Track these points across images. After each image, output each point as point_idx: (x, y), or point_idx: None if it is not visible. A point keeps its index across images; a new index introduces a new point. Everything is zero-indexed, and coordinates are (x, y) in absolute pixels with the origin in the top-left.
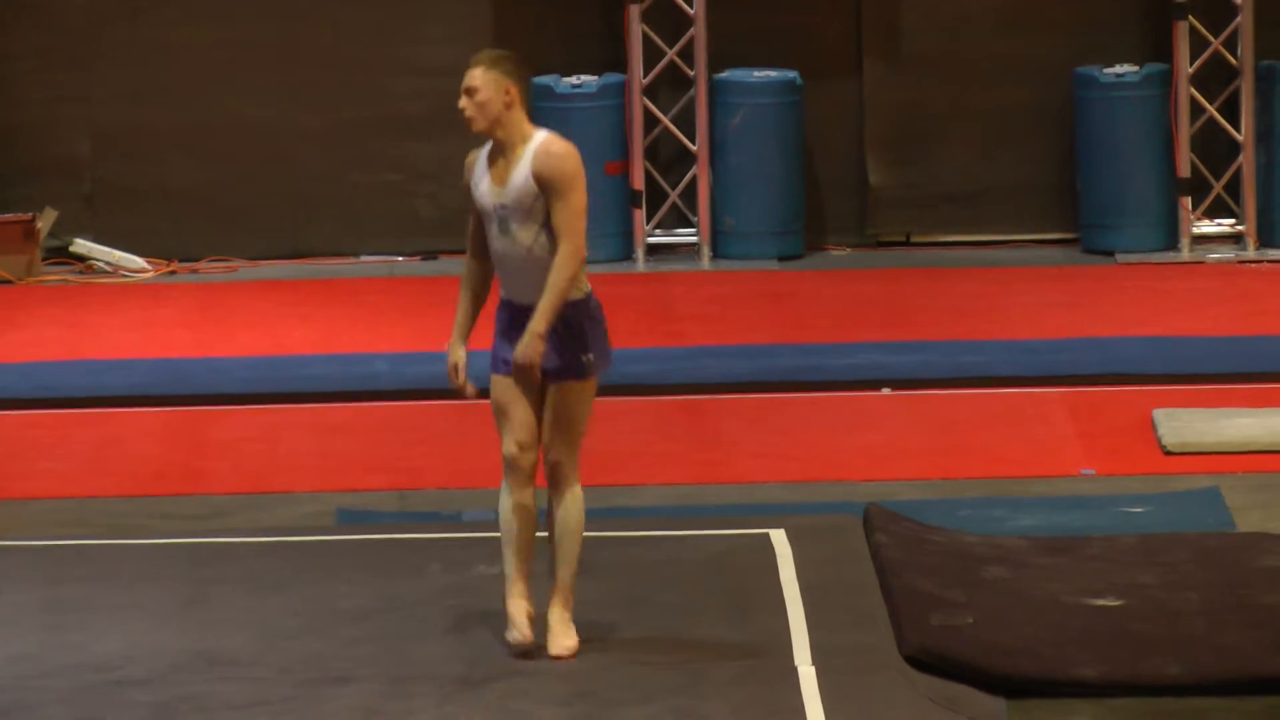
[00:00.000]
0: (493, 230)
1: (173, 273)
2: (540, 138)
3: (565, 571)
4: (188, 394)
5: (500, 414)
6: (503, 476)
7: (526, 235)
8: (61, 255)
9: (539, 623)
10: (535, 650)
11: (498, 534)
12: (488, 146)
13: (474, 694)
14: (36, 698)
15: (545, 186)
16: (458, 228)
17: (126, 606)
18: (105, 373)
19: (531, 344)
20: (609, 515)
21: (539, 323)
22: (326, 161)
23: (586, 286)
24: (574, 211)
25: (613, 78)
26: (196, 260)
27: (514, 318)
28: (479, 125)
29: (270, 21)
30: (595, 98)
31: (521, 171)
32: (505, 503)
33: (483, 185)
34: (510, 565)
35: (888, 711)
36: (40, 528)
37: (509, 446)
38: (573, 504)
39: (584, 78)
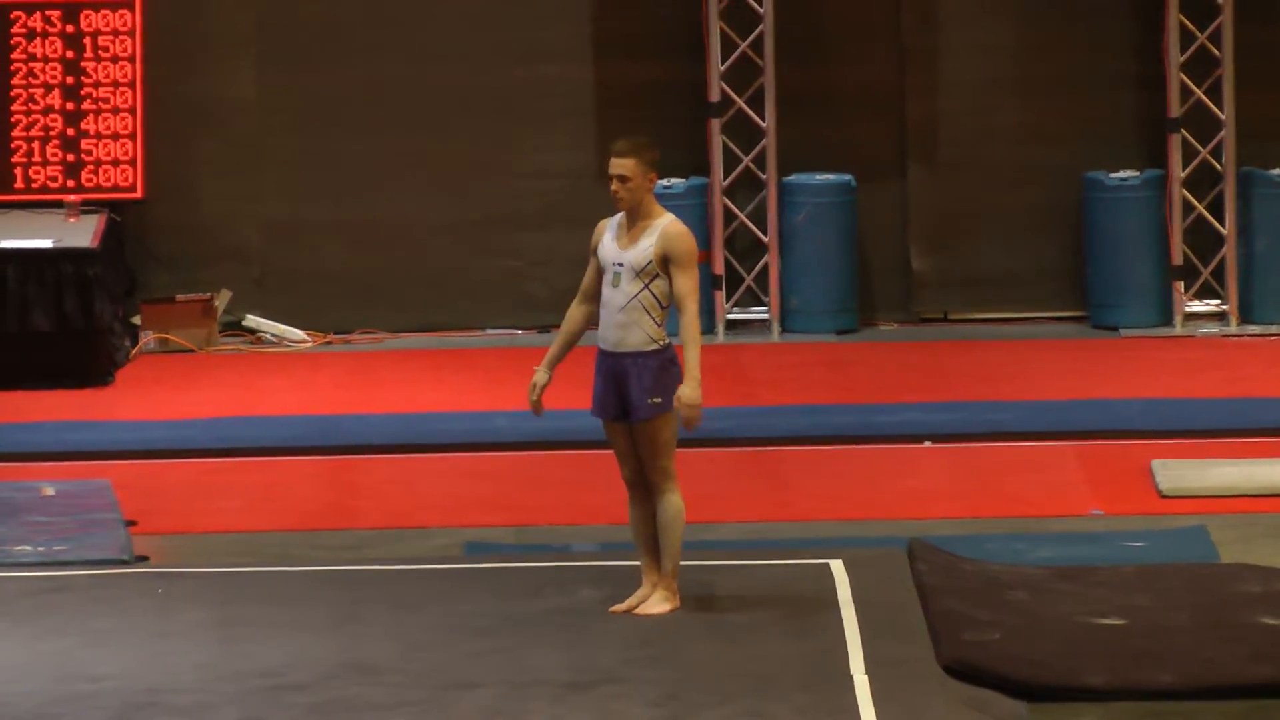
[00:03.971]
0: (606, 282)
1: (328, 343)
2: (668, 219)
3: (667, 562)
4: (340, 444)
5: (615, 450)
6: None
7: (632, 289)
8: (235, 329)
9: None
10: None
11: (601, 562)
12: (618, 216)
13: (581, 697)
14: (213, 699)
15: (669, 260)
16: (567, 305)
17: (288, 623)
18: (271, 427)
19: (694, 390)
20: (691, 548)
21: (696, 371)
22: (456, 250)
23: (664, 339)
24: (692, 281)
25: (697, 180)
26: (348, 332)
27: (606, 362)
28: (627, 205)
29: (409, 132)
30: (682, 197)
31: (647, 241)
32: (630, 512)
33: (608, 244)
34: (640, 557)
35: (928, 712)
36: (216, 557)
37: (622, 474)
38: (668, 509)
39: (673, 180)
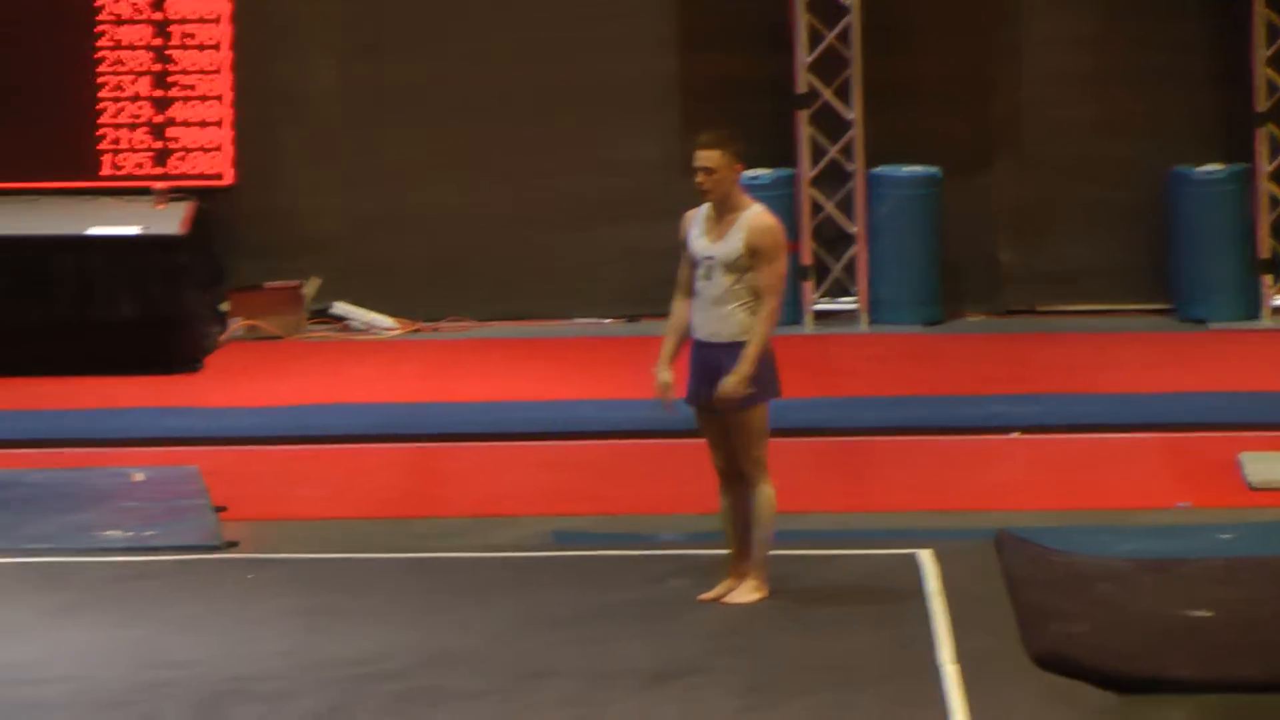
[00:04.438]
0: (699, 273)
1: (416, 331)
2: (755, 210)
3: (758, 551)
4: (426, 433)
5: (706, 439)
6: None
7: (726, 281)
8: (323, 316)
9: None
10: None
11: (687, 551)
12: (705, 207)
13: (665, 687)
14: (297, 687)
15: (755, 252)
16: (653, 294)
17: (373, 611)
18: (358, 414)
19: (737, 384)
20: (778, 538)
21: (745, 366)
22: (543, 239)
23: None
24: (776, 275)
25: (784, 171)
26: (436, 321)
27: (701, 353)
28: (713, 197)
29: (496, 122)
30: (769, 188)
31: (736, 233)
32: (721, 501)
33: (698, 238)
34: (728, 544)
35: (1016, 704)
36: (303, 544)
37: (714, 463)
38: (760, 500)
39: (759, 172)
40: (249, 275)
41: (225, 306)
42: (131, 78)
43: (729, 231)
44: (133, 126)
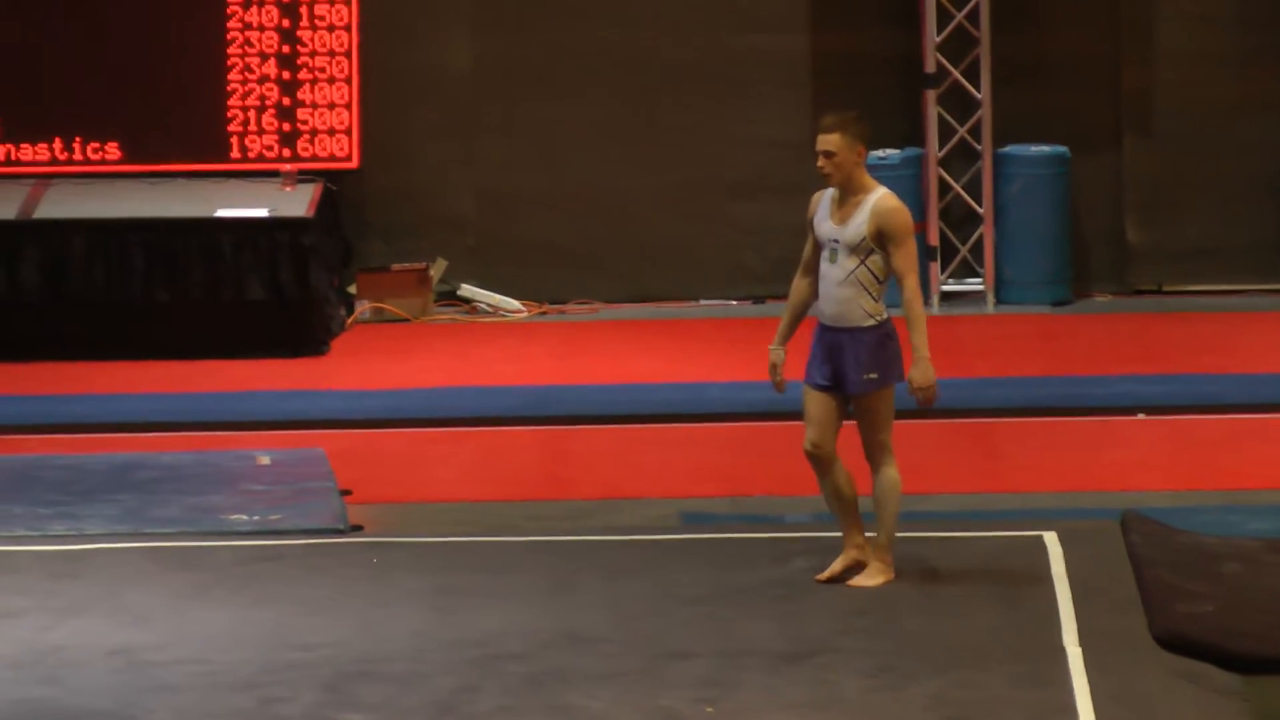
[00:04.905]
0: (824, 255)
1: (543, 313)
2: (880, 193)
3: (882, 533)
4: (554, 414)
5: (806, 418)
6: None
7: (850, 265)
8: (450, 298)
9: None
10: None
11: (816, 533)
12: (831, 190)
13: (794, 667)
14: (429, 668)
15: (884, 236)
16: (781, 275)
17: (503, 592)
18: (487, 396)
19: (924, 370)
20: (904, 519)
21: (924, 350)
22: (671, 220)
23: (882, 314)
24: (910, 255)
25: (912, 151)
26: (563, 302)
27: (824, 335)
28: (836, 181)
29: (623, 101)
30: (897, 168)
31: (861, 217)
32: (820, 485)
33: (824, 220)
34: (841, 524)
35: (1141, 684)
36: (433, 526)
37: (806, 444)
38: (884, 482)
39: (888, 151)
40: (376, 257)
41: (352, 288)
42: (259, 59)
43: (854, 214)
44: (261, 109)
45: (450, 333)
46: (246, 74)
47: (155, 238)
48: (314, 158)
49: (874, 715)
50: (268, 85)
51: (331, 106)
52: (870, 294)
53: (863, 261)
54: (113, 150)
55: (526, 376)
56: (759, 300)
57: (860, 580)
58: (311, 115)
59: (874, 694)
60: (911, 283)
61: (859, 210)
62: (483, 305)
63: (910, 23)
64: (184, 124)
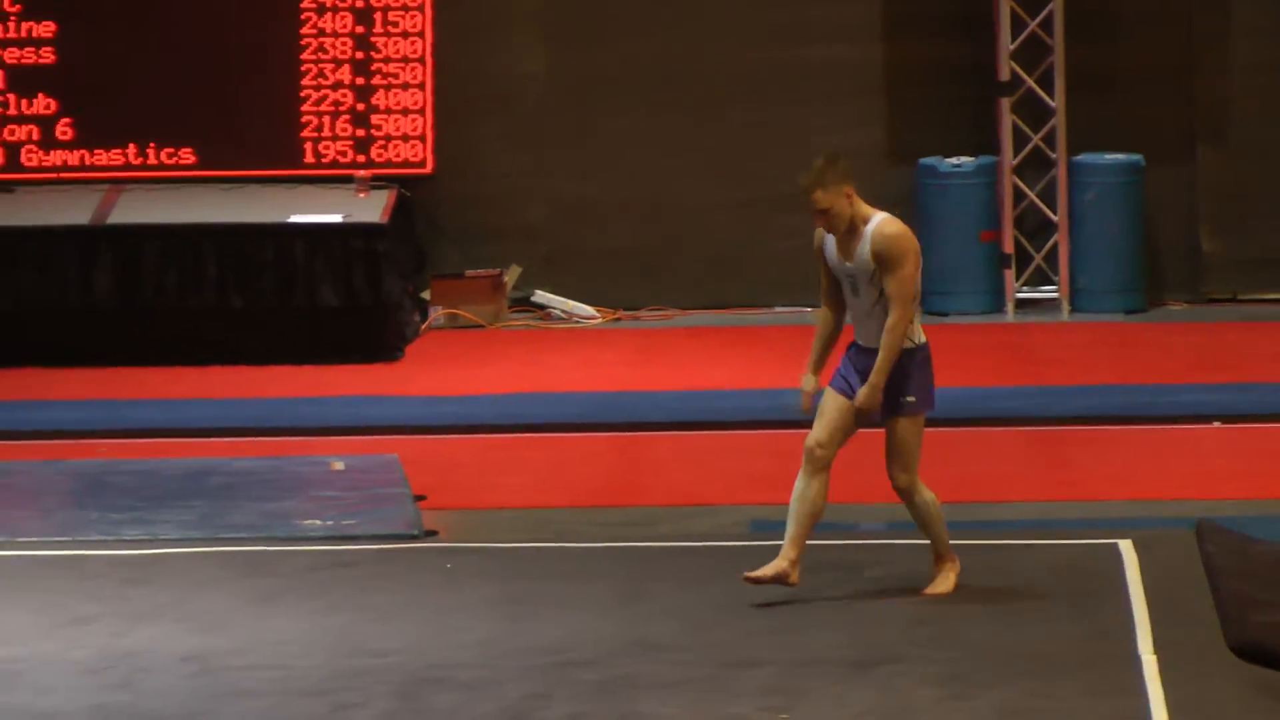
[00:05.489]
0: (846, 289)
1: (617, 319)
2: (877, 220)
3: (940, 546)
4: (626, 421)
5: (818, 415)
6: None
7: (872, 295)
8: (524, 304)
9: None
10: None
11: (885, 541)
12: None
13: (864, 675)
14: (500, 674)
15: (880, 261)
16: None
17: (573, 600)
18: (559, 403)
19: (871, 394)
20: (979, 527)
21: (877, 376)
22: (744, 228)
23: (918, 338)
24: (901, 281)
25: (987, 159)
26: (636, 309)
27: (859, 355)
28: (839, 230)
29: (696, 110)
30: (971, 176)
31: (864, 247)
32: (798, 484)
33: (832, 253)
34: (788, 530)
35: (1215, 694)
36: (505, 532)
37: (809, 439)
38: (926, 503)
39: (962, 159)
40: (450, 263)
41: (426, 294)
42: (333, 65)
43: (857, 246)
44: (335, 115)
45: (524, 339)
46: (320, 80)
47: (229, 243)
48: (388, 164)
49: None
50: (342, 91)
51: (405, 112)
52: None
53: (882, 290)
54: (187, 156)
55: (599, 383)
56: None
57: (933, 589)
58: (385, 121)
59: (943, 703)
60: (897, 312)
61: (861, 241)
62: (556, 311)
63: (984, 31)
64: (258, 130)
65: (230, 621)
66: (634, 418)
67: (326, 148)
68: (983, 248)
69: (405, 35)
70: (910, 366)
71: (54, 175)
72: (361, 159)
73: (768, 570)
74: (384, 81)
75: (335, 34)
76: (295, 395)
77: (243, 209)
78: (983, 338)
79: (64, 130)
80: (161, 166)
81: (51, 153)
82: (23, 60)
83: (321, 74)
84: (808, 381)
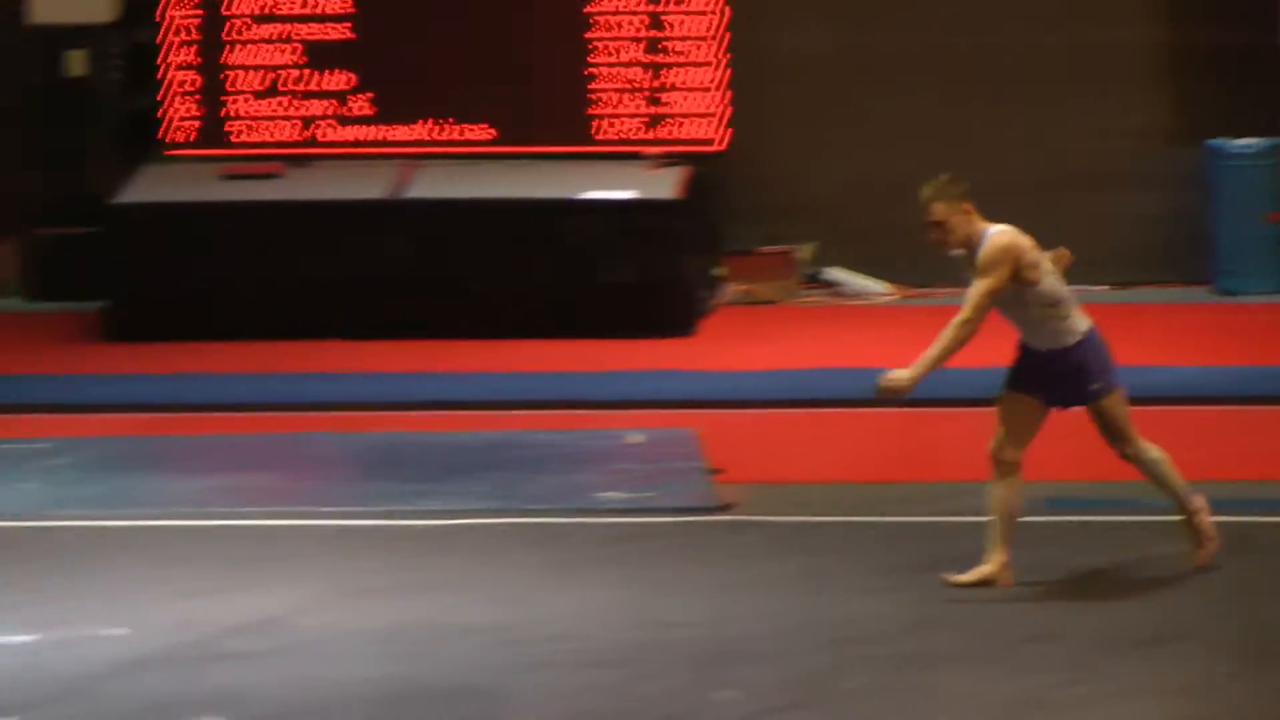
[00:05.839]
0: (998, 308)
1: (908, 297)
2: (989, 233)
3: (1180, 497)
4: (918, 398)
5: (999, 419)
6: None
7: (1021, 313)
8: (816, 281)
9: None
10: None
11: (1170, 517)
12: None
13: (1160, 650)
14: (793, 647)
15: (975, 264)
16: (1141, 262)
17: (865, 574)
18: (851, 378)
19: (898, 382)
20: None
21: (917, 369)
22: (1029, 207)
23: (1081, 327)
24: (979, 289)
25: (1271, 140)
26: (927, 286)
27: (1030, 358)
28: (953, 244)
29: (987, 89)
30: (1259, 157)
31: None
32: (993, 489)
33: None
34: (991, 534)
35: None
36: (798, 507)
37: (991, 445)
38: (1155, 460)
39: (1248, 140)
40: (743, 240)
41: (719, 271)
42: (625, 44)
43: (975, 265)
44: (626, 92)
45: (815, 315)
46: (611, 57)
47: (522, 219)
48: (679, 141)
49: (1243, 701)
50: (633, 69)
51: (697, 90)
52: (1058, 317)
53: (1024, 301)
54: (481, 132)
55: (891, 359)
56: (1120, 286)
57: (1199, 560)
58: (676, 98)
59: (1240, 680)
60: (964, 313)
61: (978, 254)
62: (848, 288)
63: (1270, 14)
64: (551, 107)
65: (525, 593)
66: (929, 393)
67: (618, 125)
68: (1270, 229)
69: (697, 14)
70: (1083, 358)
71: (350, 150)
72: (652, 136)
73: (972, 575)
74: (676, 59)
75: (628, 12)
76: (590, 370)
77: (536, 185)
78: (1264, 317)
79: (361, 106)
80: (456, 143)
81: (348, 128)
82: (320, 36)
83: (614, 52)
84: (910, 380)
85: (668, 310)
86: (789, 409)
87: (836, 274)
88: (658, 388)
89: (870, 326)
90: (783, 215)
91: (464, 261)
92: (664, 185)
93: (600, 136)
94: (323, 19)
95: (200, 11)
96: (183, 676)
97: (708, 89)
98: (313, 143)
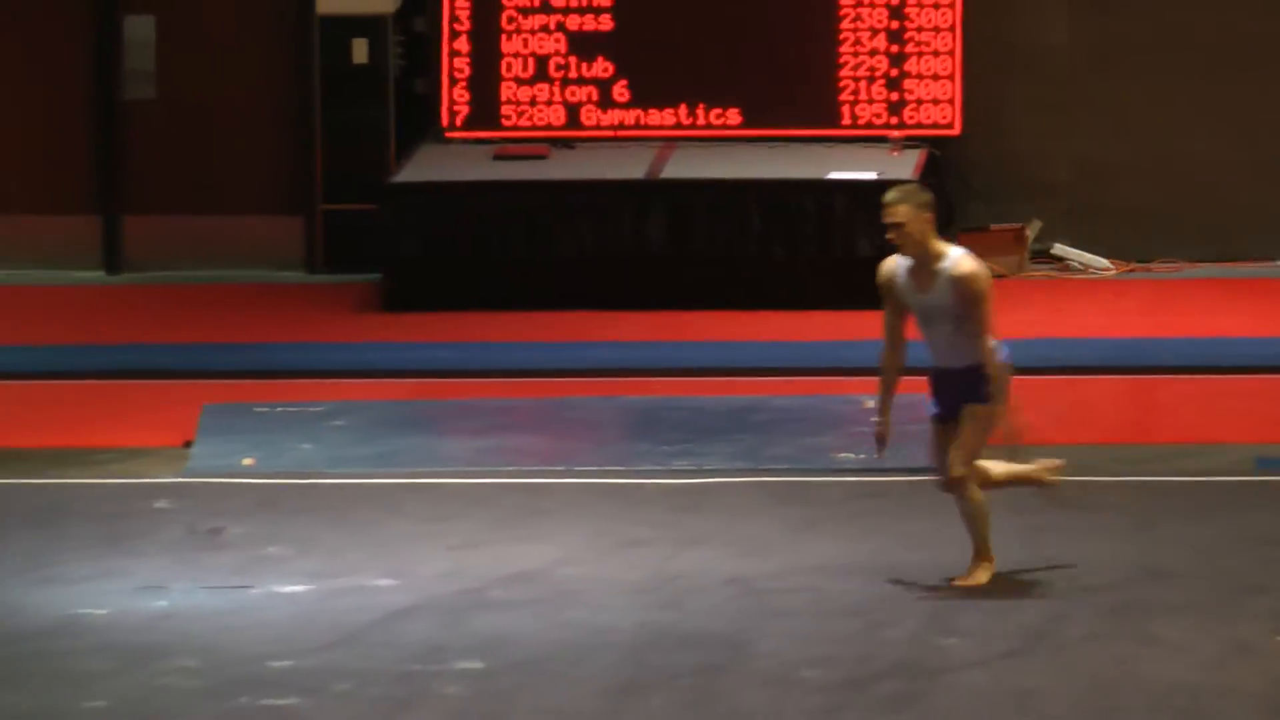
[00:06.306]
0: (920, 320)
1: (1130, 271)
2: (953, 258)
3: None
4: (1141, 365)
5: (933, 453)
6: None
7: (949, 327)
8: (1043, 256)
9: None
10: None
11: None
12: (902, 260)
13: None
14: (1020, 598)
15: (963, 299)
16: None
17: (1090, 529)
18: (1076, 347)
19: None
20: None
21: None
22: (1252, 185)
23: (994, 345)
24: (986, 315)
25: None
26: (1149, 261)
27: (939, 378)
28: (909, 250)
29: (1206, 76)
30: None
31: (942, 282)
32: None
33: (907, 289)
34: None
35: None
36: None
37: (938, 479)
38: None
39: None
40: (976, 218)
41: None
42: (869, 34)
43: (936, 282)
44: (870, 80)
45: (1043, 288)
46: (857, 47)
47: (771, 197)
48: (919, 125)
49: None
50: (877, 58)
51: (935, 78)
52: (982, 341)
53: (959, 324)
54: (733, 116)
55: (1114, 330)
56: None
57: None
58: (917, 86)
59: None
60: (986, 339)
61: (938, 278)
62: (1074, 263)
63: None
64: (798, 93)
65: (771, 546)
66: (1147, 362)
67: (862, 110)
68: None
69: (936, 6)
70: (991, 368)
71: (611, 133)
72: (894, 121)
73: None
74: (916, 49)
75: (872, 4)
76: (831, 339)
77: (784, 166)
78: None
79: (620, 92)
80: (710, 126)
81: (609, 112)
82: (583, 27)
83: (858, 41)
84: (883, 426)
85: None
86: (1019, 376)
87: (1063, 249)
88: None
89: (1094, 299)
90: (1014, 194)
91: (715, 237)
92: (904, 167)
93: (846, 121)
94: (584, 11)
95: (473, 3)
96: (448, 624)
97: (945, 77)
98: (576, 126)
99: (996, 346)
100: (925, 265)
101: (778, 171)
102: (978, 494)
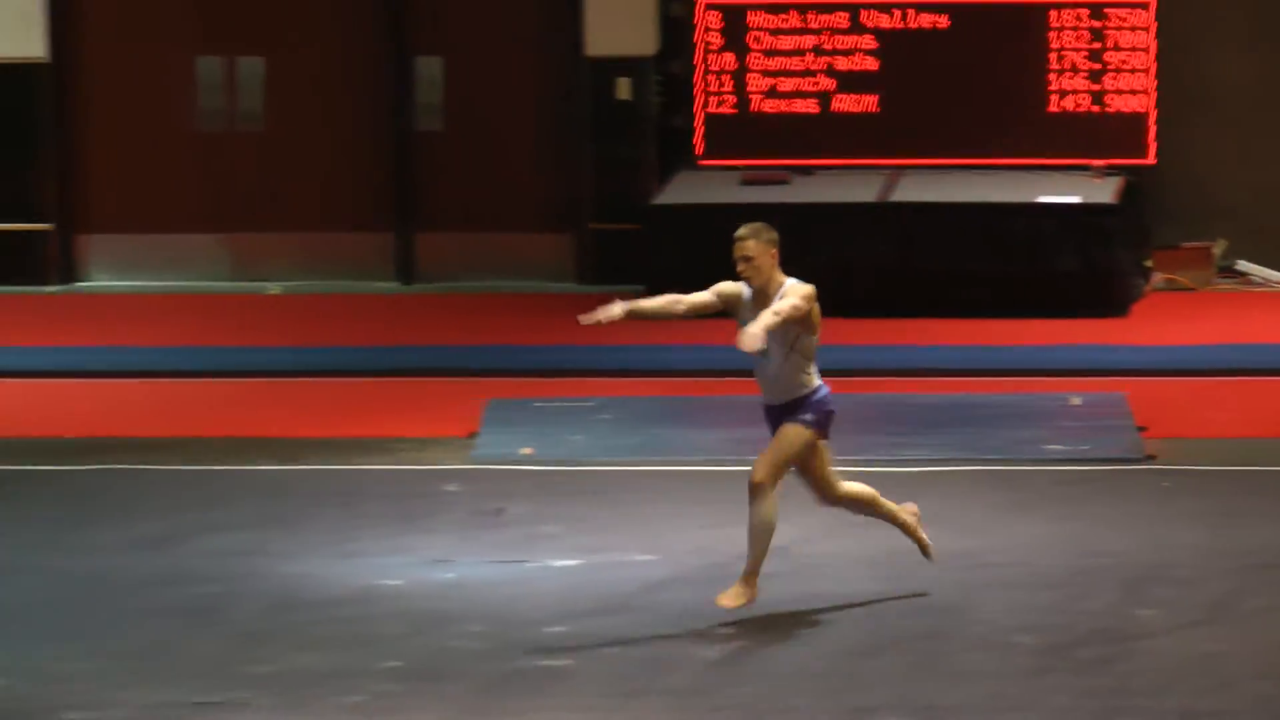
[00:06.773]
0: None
1: None
2: (788, 284)
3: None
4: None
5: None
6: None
7: (779, 354)
8: (1229, 272)
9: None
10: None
11: None
12: (745, 289)
13: None
14: (1206, 573)
15: (782, 296)
16: None
17: (1272, 513)
18: (1259, 352)
19: (751, 337)
20: None
21: (765, 318)
22: None
23: (816, 383)
24: (794, 301)
25: None
26: None
27: (771, 416)
28: (756, 282)
29: None
30: None
31: (777, 304)
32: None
33: (746, 309)
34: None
35: None
36: (1215, 458)
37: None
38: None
39: None
40: (1169, 237)
41: (1149, 263)
42: (1071, 72)
43: (773, 304)
44: (1074, 114)
45: (1228, 300)
46: (1062, 85)
47: (987, 219)
48: (1118, 154)
49: None
50: (1080, 95)
51: (1133, 112)
52: (805, 372)
53: (791, 348)
54: (955, 148)
55: None
56: None
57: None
58: (1115, 119)
59: None
60: (785, 313)
61: (774, 299)
62: (1256, 278)
63: None
64: (1012, 127)
65: (987, 526)
66: None
67: (1068, 141)
68: None
69: (1133, 50)
70: (809, 400)
71: (845, 161)
72: (1096, 150)
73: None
74: (1114, 86)
75: (1075, 50)
76: (1038, 343)
77: (998, 190)
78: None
79: (855, 124)
80: (934, 155)
81: (844, 142)
82: (817, 67)
83: (1064, 81)
84: (617, 309)
85: (1105, 294)
86: (1205, 377)
87: (1246, 266)
88: (1095, 358)
89: (1274, 310)
90: (1203, 216)
91: (939, 253)
92: (1105, 191)
93: (1052, 151)
94: (821, 52)
95: (723, 46)
96: (700, 593)
97: (1141, 111)
98: (816, 154)
99: (819, 386)
100: (766, 293)
101: (992, 195)
102: (771, 511)
